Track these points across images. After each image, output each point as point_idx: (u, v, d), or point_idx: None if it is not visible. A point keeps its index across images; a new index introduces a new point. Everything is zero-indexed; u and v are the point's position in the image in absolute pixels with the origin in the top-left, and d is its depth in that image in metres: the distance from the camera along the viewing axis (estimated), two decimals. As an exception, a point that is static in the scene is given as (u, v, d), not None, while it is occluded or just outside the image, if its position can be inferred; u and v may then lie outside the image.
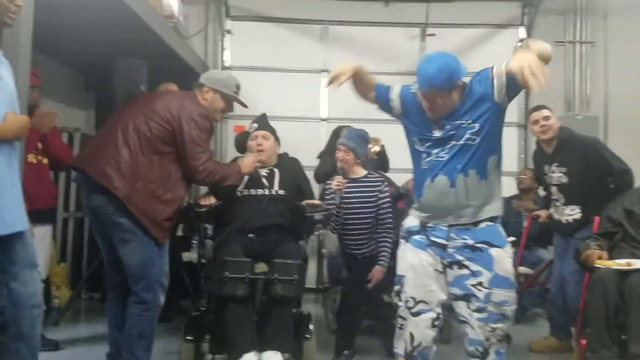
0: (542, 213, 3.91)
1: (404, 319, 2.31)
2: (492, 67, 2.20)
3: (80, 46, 4.49)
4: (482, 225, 2.24)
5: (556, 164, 3.55)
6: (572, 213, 3.51)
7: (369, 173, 3.53)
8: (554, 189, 3.59)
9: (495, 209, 2.28)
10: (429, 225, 2.31)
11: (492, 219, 2.26)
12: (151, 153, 2.67)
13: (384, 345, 3.57)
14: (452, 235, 2.25)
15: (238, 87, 3.04)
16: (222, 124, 5.81)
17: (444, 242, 2.26)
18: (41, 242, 3.52)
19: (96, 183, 2.63)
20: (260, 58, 5.77)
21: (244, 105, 3.10)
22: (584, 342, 2.93)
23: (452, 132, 2.22)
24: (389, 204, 3.48)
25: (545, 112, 3.56)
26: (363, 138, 3.57)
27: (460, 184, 2.22)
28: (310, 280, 4.93)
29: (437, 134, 2.25)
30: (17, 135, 2.00)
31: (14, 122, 1.97)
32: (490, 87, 2.19)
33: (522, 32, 5.89)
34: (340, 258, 4.19)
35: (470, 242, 2.22)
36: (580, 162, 3.45)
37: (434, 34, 5.71)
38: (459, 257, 2.22)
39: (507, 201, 4.87)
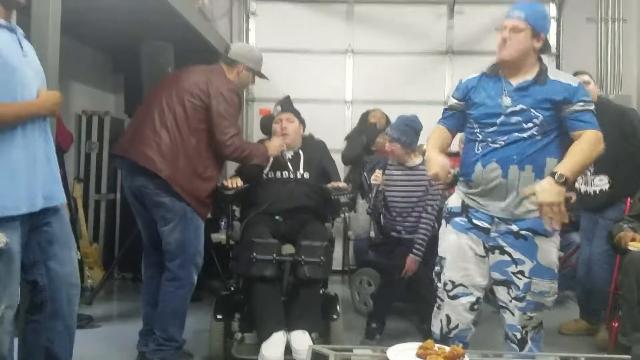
0: (572, 195, 3.80)
1: (442, 300, 2.31)
2: (583, 93, 2.16)
3: (108, 30, 4.53)
4: (529, 213, 2.15)
5: None
6: (601, 183, 3.42)
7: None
8: None
9: None
10: (472, 207, 2.24)
11: None
12: (189, 131, 2.74)
13: (418, 327, 3.57)
14: (496, 219, 2.19)
15: (262, 60, 3.10)
16: (248, 107, 5.82)
17: (487, 225, 2.20)
18: None
19: (138, 165, 2.70)
20: (285, 39, 5.74)
21: (266, 78, 3.13)
22: (615, 324, 2.89)
23: (516, 119, 2.13)
24: (439, 194, 3.37)
25: (585, 77, 3.44)
26: (411, 126, 3.43)
27: (513, 176, 2.14)
28: (337, 263, 4.95)
29: (506, 102, 2.16)
30: (51, 111, 2.04)
31: (48, 98, 2.00)
32: (573, 101, 2.14)
33: (552, 9, 5.74)
34: (366, 240, 4.19)
35: (514, 228, 2.15)
36: (613, 130, 3.35)
37: (462, 12, 5.60)
38: (502, 243, 2.17)
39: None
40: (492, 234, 2.19)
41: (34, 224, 1.98)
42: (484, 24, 5.66)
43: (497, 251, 2.18)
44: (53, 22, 2.42)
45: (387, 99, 5.28)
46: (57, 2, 2.45)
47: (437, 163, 2.16)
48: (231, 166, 4.75)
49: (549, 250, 2.14)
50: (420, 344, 1.78)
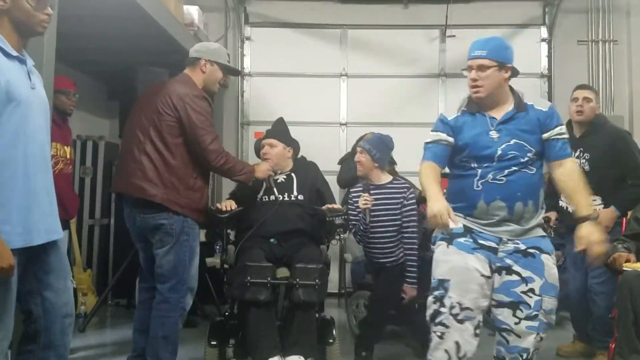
0: (552, 215, 3.69)
1: (447, 327, 2.18)
2: (557, 118, 2.28)
3: (102, 56, 4.57)
4: (533, 233, 2.26)
5: (581, 149, 3.43)
6: (594, 204, 3.34)
7: (394, 179, 3.47)
8: None
9: (542, 232, 2.32)
10: (475, 229, 2.25)
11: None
12: (167, 150, 2.73)
13: (414, 351, 3.52)
14: (504, 239, 2.21)
15: (229, 55, 3.08)
16: (243, 130, 5.84)
17: (494, 245, 2.21)
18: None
19: (132, 196, 2.74)
20: (280, 64, 5.79)
21: (238, 73, 3.12)
22: (612, 346, 2.87)
23: (512, 154, 2.20)
24: (414, 212, 3.39)
25: (587, 93, 3.47)
26: (384, 142, 3.48)
27: (518, 211, 2.20)
28: (333, 285, 4.92)
29: (494, 136, 2.22)
30: None
31: None
32: (551, 127, 2.25)
33: (543, 31, 5.81)
34: (363, 263, 4.17)
35: (522, 246, 2.19)
36: (606, 151, 3.36)
37: (454, 36, 5.66)
38: (509, 262, 2.18)
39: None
40: (500, 254, 2.19)
41: (32, 254, 1.96)
42: (475, 47, 5.74)
43: (504, 272, 2.17)
44: (48, 49, 2.45)
45: (381, 121, 5.31)
46: (52, 29, 2.47)
47: (442, 205, 2.10)
48: (225, 189, 4.76)
49: (553, 267, 2.19)
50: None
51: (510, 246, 2.18)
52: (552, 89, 5.70)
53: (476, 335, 2.19)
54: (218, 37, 5.51)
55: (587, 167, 3.40)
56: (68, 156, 3.58)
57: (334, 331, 2.98)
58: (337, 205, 3.22)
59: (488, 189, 2.20)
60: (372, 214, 3.34)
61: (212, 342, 2.86)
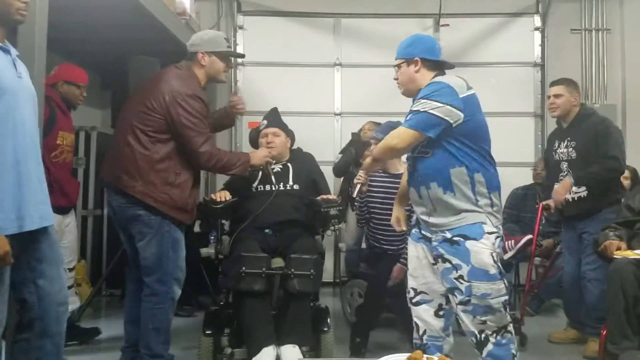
0: (552, 203, 3.79)
1: (411, 308, 2.41)
2: (422, 95, 2.27)
3: (94, 46, 4.54)
4: (459, 222, 2.25)
5: (568, 138, 3.49)
6: (579, 191, 3.43)
7: None
8: (564, 165, 3.50)
9: (473, 218, 2.24)
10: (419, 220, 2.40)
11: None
12: (151, 144, 2.71)
13: (407, 340, 3.54)
14: (433, 228, 2.31)
15: (227, 40, 3.01)
16: (236, 121, 5.81)
17: (429, 235, 2.33)
18: (72, 230, 3.64)
19: (113, 184, 2.74)
20: (273, 53, 5.77)
21: (241, 56, 3.08)
22: (603, 332, 2.91)
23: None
24: None
25: (557, 90, 3.51)
26: (394, 129, 3.49)
27: (425, 195, 2.30)
28: (328, 275, 4.94)
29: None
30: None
31: None
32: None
33: (537, 20, 5.82)
34: (357, 252, 4.19)
35: (448, 235, 2.25)
36: (591, 139, 3.39)
37: (447, 25, 5.65)
38: (441, 251, 2.26)
39: (523, 191, 4.81)
40: (433, 243, 2.30)
41: (24, 243, 1.97)
42: (469, 36, 5.74)
43: (439, 260, 2.27)
44: (39, 39, 2.42)
45: (376, 111, 5.30)
46: (43, 19, 2.45)
47: (393, 215, 2.50)
48: (220, 180, 4.75)
49: (480, 252, 2.20)
50: (408, 355, 1.78)
51: (440, 235, 2.27)
52: (545, 78, 5.71)
53: (438, 315, 2.34)
54: (210, 26, 5.47)
55: (574, 155, 3.45)
56: (72, 143, 3.58)
57: (328, 320, 2.99)
58: (332, 196, 3.22)
59: (409, 180, 2.41)
60: (386, 202, 3.35)
61: (207, 332, 2.87)
